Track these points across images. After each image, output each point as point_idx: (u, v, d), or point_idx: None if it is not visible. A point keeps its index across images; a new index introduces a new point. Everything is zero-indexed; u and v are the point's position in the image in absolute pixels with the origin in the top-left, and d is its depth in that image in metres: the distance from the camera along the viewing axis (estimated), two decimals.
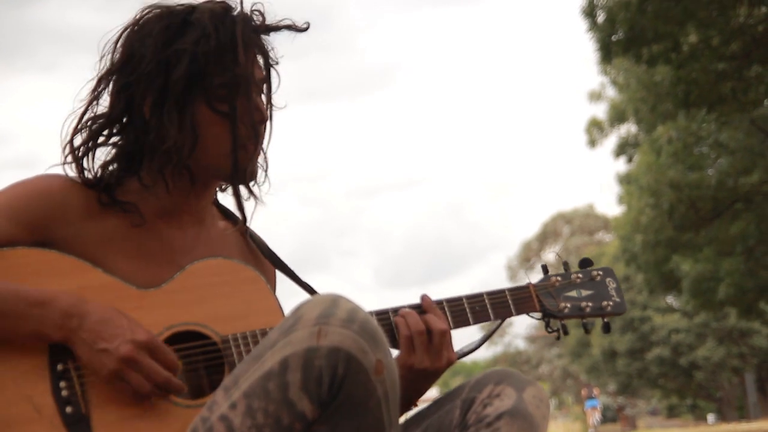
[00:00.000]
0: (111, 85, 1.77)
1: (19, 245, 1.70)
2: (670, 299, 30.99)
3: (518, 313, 1.96)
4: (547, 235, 46.21)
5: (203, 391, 1.76)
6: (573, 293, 2.02)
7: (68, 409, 1.64)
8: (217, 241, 1.89)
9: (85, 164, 1.78)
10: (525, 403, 1.72)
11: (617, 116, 18.94)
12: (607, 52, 10.73)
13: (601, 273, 2.05)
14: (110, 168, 1.79)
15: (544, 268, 2.05)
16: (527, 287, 2.00)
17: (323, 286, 1.99)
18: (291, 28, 1.82)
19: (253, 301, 1.80)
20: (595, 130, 20.80)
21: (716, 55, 10.87)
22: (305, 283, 1.99)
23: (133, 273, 1.75)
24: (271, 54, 1.81)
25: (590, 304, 2.01)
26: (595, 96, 22.00)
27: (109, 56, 1.78)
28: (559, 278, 2.02)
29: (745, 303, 17.10)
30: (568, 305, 2.00)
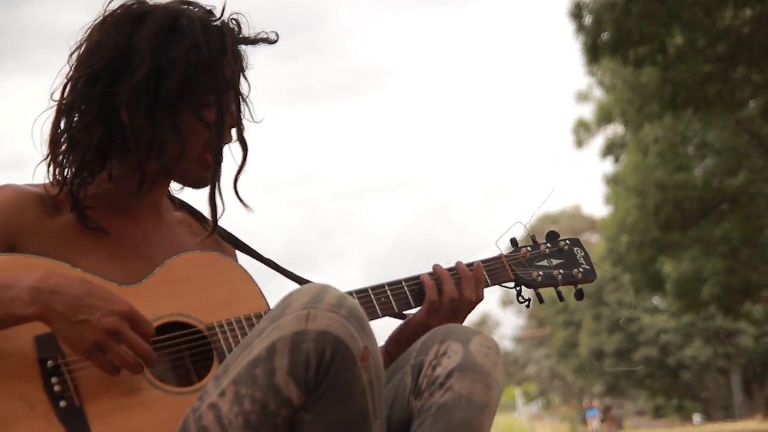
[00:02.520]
0: (94, 87, 1.75)
1: None
2: (657, 300, 31.09)
3: (493, 283, 1.99)
4: (534, 235, 46.22)
5: (191, 379, 1.77)
6: (544, 263, 2.05)
7: (62, 404, 1.63)
8: (175, 231, 1.92)
9: (63, 164, 1.77)
10: (472, 354, 1.70)
11: (604, 117, 18.98)
12: (594, 54, 10.77)
13: (568, 242, 2.09)
14: (84, 172, 1.77)
15: (513, 241, 2.07)
16: (499, 258, 2.02)
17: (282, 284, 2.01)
18: (265, 41, 1.85)
19: (234, 289, 1.83)
20: (582, 131, 20.85)
21: (702, 57, 10.92)
22: (269, 260, 2.00)
23: (99, 270, 1.76)
24: (245, 63, 1.84)
25: (562, 271, 2.05)
26: (583, 97, 22.05)
27: (87, 54, 1.76)
28: (528, 249, 2.05)
29: (729, 303, 17.18)
30: (541, 273, 2.03)
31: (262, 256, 2.00)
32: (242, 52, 1.83)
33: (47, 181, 1.79)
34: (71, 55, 1.78)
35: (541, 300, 2.05)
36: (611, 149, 19.57)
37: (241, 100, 1.83)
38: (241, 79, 1.83)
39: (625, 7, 9.93)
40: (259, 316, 1.80)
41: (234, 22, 1.82)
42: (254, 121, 1.86)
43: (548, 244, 2.07)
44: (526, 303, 2.03)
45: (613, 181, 18.94)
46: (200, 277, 1.81)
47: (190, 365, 1.78)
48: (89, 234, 1.79)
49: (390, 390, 1.77)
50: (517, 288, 2.02)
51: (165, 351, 1.76)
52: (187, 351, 1.77)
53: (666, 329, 32.40)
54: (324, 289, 1.59)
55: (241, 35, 1.82)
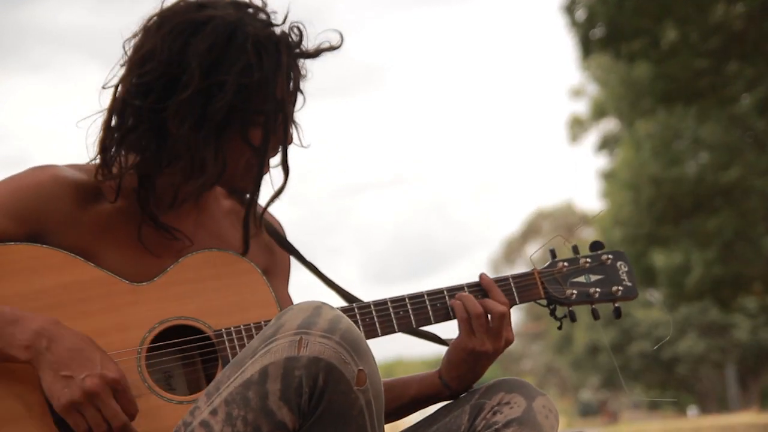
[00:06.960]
0: (145, 101, 1.69)
1: (11, 240, 1.68)
2: (650, 294, 31.16)
3: (521, 301, 1.89)
4: (529, 232, 46.32)
5: (199, 385, 1.75)
6: (581, 279, 1.94)
7: None
8: (219, 224, 1.87)
9: (110, 166, 1.73)
10: (534, 412, 1.72)
11: (598, 112, 19.03)
12: (587, 49, 10.83)
13: (611, 257, 1.96)
14: (147, 183, 1.74)
15: (552, 253, 1.96)
16: (532, 273, 1.92)
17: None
18: (328, 50, 1.78)
19: (246, 293, 1.78)
20: (577, 126, 20.90)
21: (695, 52, 10.98)
22: (317, 269, 1.96)
23: (128, 263, 1.73)
24: (302, 78, 1.77)
25: (599, 289, 1.93)
26: (576, 92, 22.11)
27: (140, 61, 1.70)
28: (566, 264, 1.94)
29: (721, 294, 17.21)
30: (575, 291, 1.92)
31: (306, 259, 1.96)
32: (300, 66, 1.75)
33: (94, 163, 1.74)
34: (127, 41, 1.73)
35: (573, 319, 1.92)
36: (605, 144, 19.63)
37: (290, 121, 1.76)
38: (295, 95, 1.75)
39: (618, 2, 9.98)
40: None
41: (296, 30, 1.74)
42: (302, 146, 1.81)
43: (588, 259, 1.95)
44: (559, 323, 1.93)
45: (607, 176, 18.99)
46: (213, 279, 1.77)
47: (199, 370, 1.76)
48: (125, 227, 1.75)
49: (445, 424, 1.78)
50: (551, 306, 1.93)
51: (172, 356, 1.74)
52: (195, 357, 1.75)
53: (660, 323, 32.46)
54: (317, 310, 1.56)
55: (300, 48, 1.74)
